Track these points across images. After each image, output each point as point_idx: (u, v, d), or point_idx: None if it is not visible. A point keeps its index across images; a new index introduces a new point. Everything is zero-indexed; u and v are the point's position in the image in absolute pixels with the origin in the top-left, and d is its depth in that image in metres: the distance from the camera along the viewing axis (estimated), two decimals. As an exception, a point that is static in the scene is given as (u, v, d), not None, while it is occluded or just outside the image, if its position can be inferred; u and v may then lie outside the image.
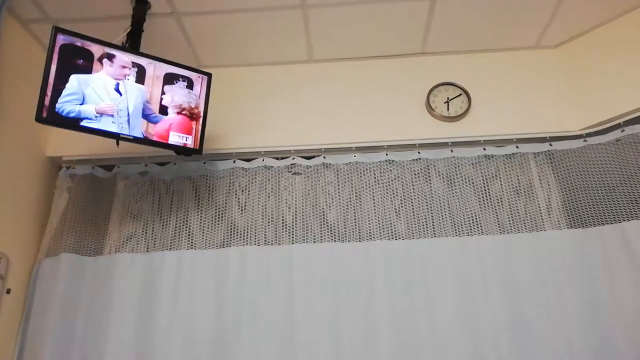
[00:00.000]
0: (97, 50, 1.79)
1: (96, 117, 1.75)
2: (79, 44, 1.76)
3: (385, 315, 1.94)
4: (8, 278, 2.00)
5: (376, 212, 2.18)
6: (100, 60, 1.77)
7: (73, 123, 1.73)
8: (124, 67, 1.81)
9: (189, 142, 1.97)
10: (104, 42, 1.82)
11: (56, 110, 1.66)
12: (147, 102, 1.86)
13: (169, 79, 1.94)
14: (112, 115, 1.78)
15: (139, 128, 1.86)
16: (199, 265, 2.08)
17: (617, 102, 2.13)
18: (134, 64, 1.84)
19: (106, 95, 1.77)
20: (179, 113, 1.92)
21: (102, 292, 2.06)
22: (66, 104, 1.67)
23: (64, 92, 1.67)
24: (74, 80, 1.70)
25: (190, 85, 1.97)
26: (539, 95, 2.31)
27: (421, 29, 2.28)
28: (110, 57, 1.78)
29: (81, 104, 1.71)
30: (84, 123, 1.72)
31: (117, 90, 1.80)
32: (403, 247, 2.06)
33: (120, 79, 1.81)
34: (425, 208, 2.18)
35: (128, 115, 1.81)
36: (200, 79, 2.01)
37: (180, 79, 1.96)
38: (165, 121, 1.90)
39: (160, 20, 2.16)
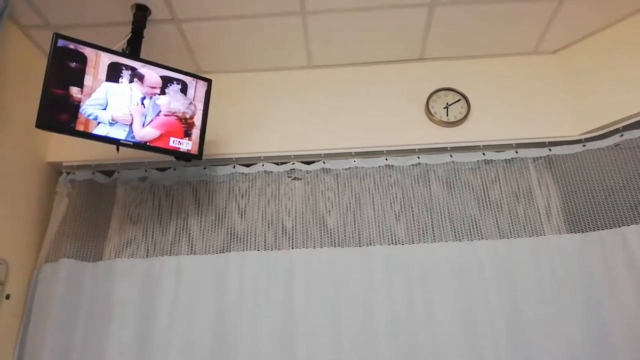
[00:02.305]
0: (90, 53, 1.80)
1: (111, 123, 1.80)
2: (72, 46, 1.77)
3: (385, 320, 1.93)
4: (8, 283, 1.99)
5: (376, 217, 2.18)
6: (131, 80, 1.86)
7: (72, 129, 1.74)
8: (153, 87, 1.88)
9: (187, 147, 1.97)
10: (104, 48, 1.83)
11: (80, 111, 1.75)
12: (161, 111, 1.89)
13: (164, 82, 1.94)
14: (126, 125, 1.84)
15: (139, 133, 1.87)
16: (199, 270, 2.08)
17: (616, 107, 2.13)
18: (165, 80, 1.90)
19: (128, 105, 1.83)
20: (170, 115, 1.93)
21: (101, 298, 2.06)
22: (89, 107, 1.77)
23: (92, 96, 1.78)
24: (103, 87, 1.79)
25: (184, 88, 1.98)
26: (537, 101, 2.32)
27: (420, 34, 2.29)
28: (141, 78, 1.82)
29: (103, 109, 1.79)
30: (96, 128, 1.78)
31: (142, 102, 1.86)
32: (403, 251, 2.06)
33: (150, 97, 1.87)
34: (424, 213, 2.18)
35: (143, 124, 1.85)
36: (194, 83, 2.01)
37: (174, 82, 1.96)
38: (156, 121, 1.91)
39: (160, 26, 2.17)
